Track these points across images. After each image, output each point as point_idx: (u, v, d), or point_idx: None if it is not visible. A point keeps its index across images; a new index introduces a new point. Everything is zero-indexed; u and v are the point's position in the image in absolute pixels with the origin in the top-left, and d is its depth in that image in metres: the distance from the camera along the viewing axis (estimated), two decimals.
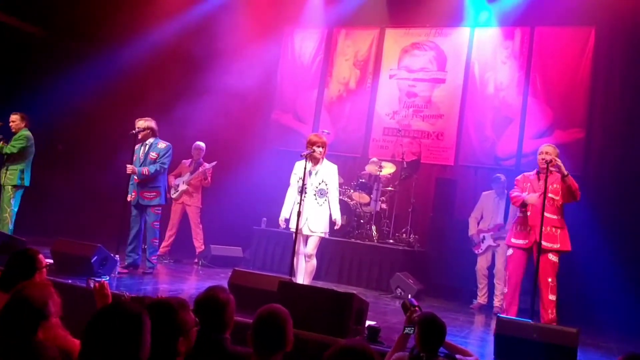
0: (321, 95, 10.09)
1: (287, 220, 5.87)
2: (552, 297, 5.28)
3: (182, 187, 8.15)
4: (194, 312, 2.56)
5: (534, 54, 8.68)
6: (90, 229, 8.16)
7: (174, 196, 8.16)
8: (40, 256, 3.30)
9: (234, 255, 8.18)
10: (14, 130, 7.16)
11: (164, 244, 7.92)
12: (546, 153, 5.40)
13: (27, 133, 7.17)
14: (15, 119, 7.17)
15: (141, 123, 6.62)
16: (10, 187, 7.05)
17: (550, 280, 5.27)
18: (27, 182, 7.15)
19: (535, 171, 5.64)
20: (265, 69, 10.05)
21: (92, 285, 3.41)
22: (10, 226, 6.96)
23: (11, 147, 7.04)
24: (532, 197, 5.44)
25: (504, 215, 7.30)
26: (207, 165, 8.13)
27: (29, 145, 7.16)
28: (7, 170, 7.08)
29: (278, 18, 10.13)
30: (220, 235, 8.54)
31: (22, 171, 7.09)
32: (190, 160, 8.34)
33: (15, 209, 7.09)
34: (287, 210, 5.87)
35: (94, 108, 9.35)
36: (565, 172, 5.31)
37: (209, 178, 8.22)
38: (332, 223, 5.87)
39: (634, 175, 7.60)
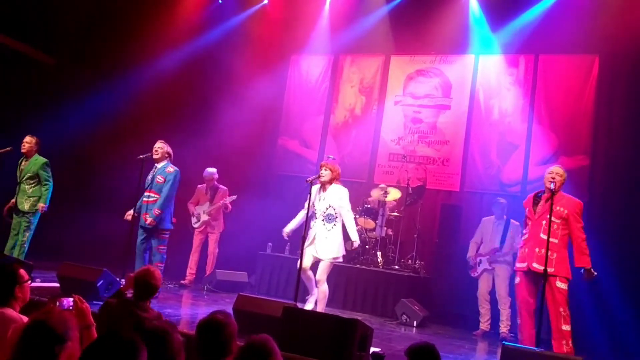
0: (327, 121, 10.17)
1: (288, 234, 6.15)
2: (566, 328, 5.04)
3: (204, 217, 8.33)
4: (196, 336, 2.59)
5: (538, 81, 8.74)
6: (96, 252, 8.19)
7: (195, 225, 8.37)
8: (22, 271, 3.24)
9: (239, 280, 8.18)
10: (24, 151, 7.07)
11: (189, 271, 8.14)
12: (556, 174, 5.28)
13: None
14: (29, 140, 7.09)
15: (161, 145, 6.74)
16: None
17: (562, 309, 5.06)
18: None
19: (540, 191, 5.49)
20: (272, 96, 10.17)
21: (65, 305, 2.93)
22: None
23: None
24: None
25: (500, 239, 7.28)
26: (227, 200, 8.32)
27: None
28: (28, 197, 7.16)
29: (285, 44, 10.27)
30: (226, 261, 8.56)
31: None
32: (204, 185, 8.45)
33: None
34: (293, 223, 6.11)
35: (103, 133, 9.47)
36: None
37: (230, 207, 8.45)
38: (349, 245, 6.04)
39: (639, 202, 7.57)
